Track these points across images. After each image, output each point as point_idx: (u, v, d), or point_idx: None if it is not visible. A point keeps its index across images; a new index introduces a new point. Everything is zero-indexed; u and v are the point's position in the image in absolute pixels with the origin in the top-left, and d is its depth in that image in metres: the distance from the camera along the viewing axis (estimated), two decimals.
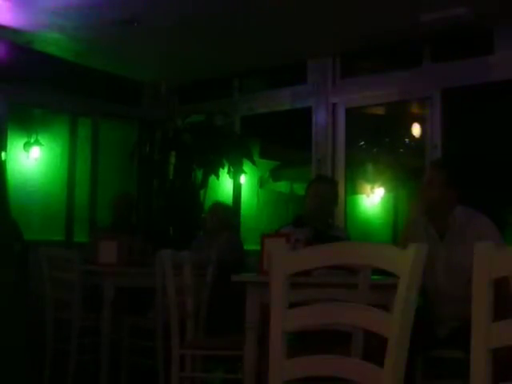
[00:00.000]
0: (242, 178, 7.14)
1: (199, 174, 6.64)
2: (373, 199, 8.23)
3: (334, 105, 6.46)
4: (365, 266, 2.67)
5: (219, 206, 5.66)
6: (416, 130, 6.87)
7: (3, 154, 6.10)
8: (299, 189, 7.61)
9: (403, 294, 1.53)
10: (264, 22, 5.60)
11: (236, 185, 7.19)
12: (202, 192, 6.62)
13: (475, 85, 5.64)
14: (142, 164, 7.21)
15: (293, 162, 8.23)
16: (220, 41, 6.09)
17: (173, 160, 6.89)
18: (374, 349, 1.86)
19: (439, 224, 3.52)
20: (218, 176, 6.55)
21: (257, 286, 3.42)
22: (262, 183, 7.93)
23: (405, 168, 7.66)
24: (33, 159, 6.59)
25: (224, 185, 7.12)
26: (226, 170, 6.56)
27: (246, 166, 6.77)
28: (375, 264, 1.72)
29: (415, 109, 6.82)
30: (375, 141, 7.86)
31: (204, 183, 6.58)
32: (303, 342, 3.23)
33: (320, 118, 6.51)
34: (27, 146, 6.55)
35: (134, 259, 5.23)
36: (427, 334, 3.35)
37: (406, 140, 7.62)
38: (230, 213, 5.64)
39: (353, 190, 7.68)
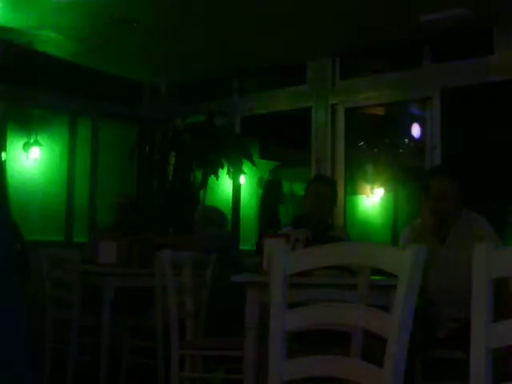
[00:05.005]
0: (242, 179, 7.14)
1: (199, 175, 6.63)
2: (372, 199, 8.21)
3: (334, 105, 6.46)
4: (364, 266, 2.67)
5: (202, 206, 5.90)
6: (416, 130, 6.87)
7: (3, 154, 6.11)
8: (299, 189, 7.61)
9: (403, 294, 1.53)
10: (264, 22, 5.61)
11: (235, 185, 7.18)
12: (201, 192, 6.62)
13: (475, 85, 5.65)
14: (141, 164, 7.21)
15: (292, 162, 8.22)
16: (220, 41, 6.09)
17: (172, 160, 6.89)
18: (374, 349, 1.86)
19: (441, 228, 3.52)
20: (217, 176, 6.55)
21: (257, 286, 3.41)
22: (261, 183, 7.92)
23: (404, 168, 7.65)
24: (32, 159, 6.59)
25: (223, 185, 7.11)
26: (225, 170, 6.56)
27: (246, 167, 6.77)
28: (375, 264, 1.72)
29: (415, 109, 6.81)
30: (375, 141, 7.85)
31: (203, 183, 6.58)
32: (303, 342, 3.22)
33: (319, 118, 6.51)
34: (27, 146, 6.55)
35: (133, 259, 5.22)
36: (427, 335, 3.35)
37: (406, 140, 7.61)
38: (215, 212, 5.62)
39: (352, 190, 7.66)
